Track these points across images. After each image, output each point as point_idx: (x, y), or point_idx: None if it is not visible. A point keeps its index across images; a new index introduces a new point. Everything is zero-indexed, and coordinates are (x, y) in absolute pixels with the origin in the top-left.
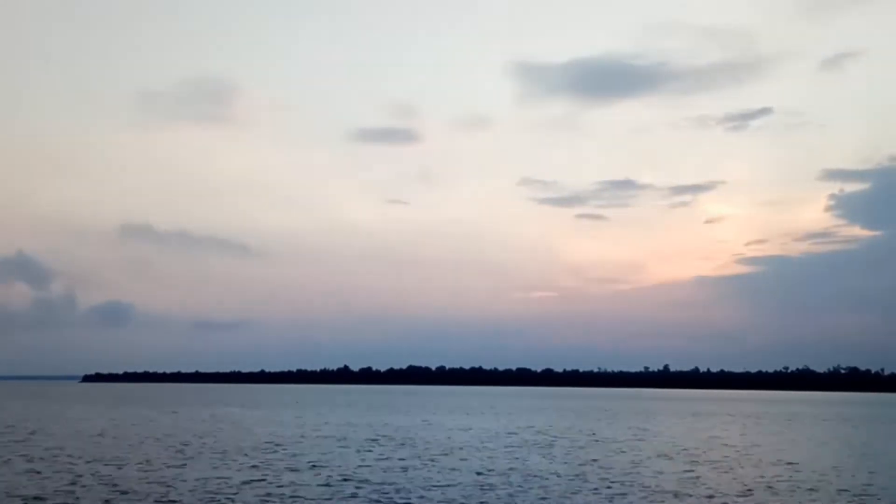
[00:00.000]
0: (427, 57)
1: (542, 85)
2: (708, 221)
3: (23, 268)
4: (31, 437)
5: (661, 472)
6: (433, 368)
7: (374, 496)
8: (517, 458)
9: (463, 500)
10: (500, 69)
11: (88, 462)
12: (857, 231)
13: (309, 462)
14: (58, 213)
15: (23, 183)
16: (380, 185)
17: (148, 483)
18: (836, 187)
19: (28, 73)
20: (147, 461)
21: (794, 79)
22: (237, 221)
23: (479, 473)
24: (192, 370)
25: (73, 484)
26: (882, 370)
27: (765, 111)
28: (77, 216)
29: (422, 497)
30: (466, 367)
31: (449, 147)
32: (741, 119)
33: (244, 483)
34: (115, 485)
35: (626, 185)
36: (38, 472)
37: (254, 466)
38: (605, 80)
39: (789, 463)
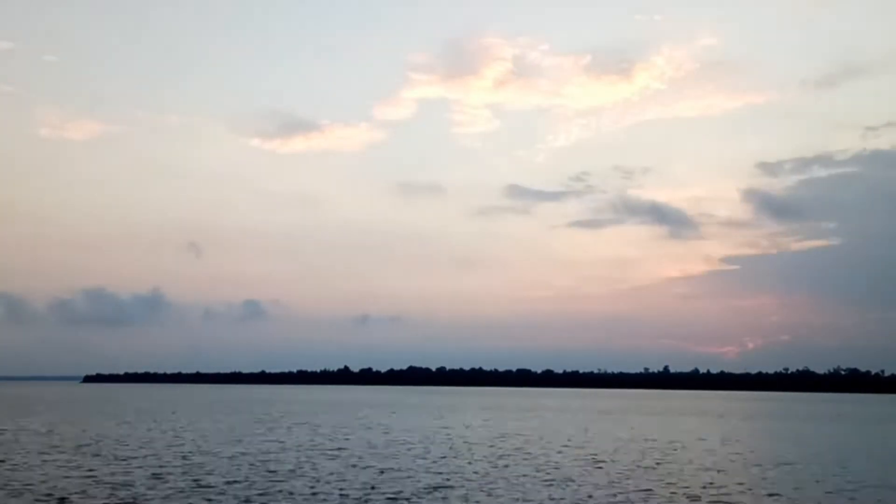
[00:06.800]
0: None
1: (531, 78)
2: (693, 217)
3: None
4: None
5: None
6: (433, 369)
7: None
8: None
9: None
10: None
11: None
12: (833, 226)
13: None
14: None
15: None
16: (369, 183)
17: None
18: (806, 180)
19: None
20: None
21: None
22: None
23: None
24: (193, 371)
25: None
26: (882, 371)
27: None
28: None
29: None
30: (466, 368)
31: (445, 143)
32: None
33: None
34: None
35: (617, 178)
36: None
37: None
38: (594, 71)
39: None
